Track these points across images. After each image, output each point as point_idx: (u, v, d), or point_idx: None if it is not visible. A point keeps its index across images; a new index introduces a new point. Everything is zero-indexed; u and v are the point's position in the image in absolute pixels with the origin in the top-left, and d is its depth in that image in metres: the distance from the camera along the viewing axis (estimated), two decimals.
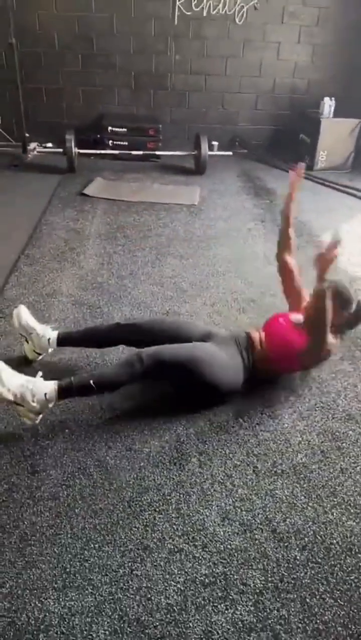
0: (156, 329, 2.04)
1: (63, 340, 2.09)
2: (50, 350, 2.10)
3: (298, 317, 2.06)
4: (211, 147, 5.09)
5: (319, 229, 3.75)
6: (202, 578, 1.38)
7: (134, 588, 1.34)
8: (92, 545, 1.44)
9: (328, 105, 5.04)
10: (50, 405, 1.74)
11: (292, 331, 1.98)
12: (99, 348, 2.17)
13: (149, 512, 1.55)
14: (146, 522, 1.51)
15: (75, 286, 2.81)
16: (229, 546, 1.46)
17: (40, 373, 1.78)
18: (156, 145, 5.25)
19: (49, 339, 2.06)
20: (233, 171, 5.10)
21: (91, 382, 1.74)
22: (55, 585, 1.33)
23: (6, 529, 1.46)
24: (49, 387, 1.73)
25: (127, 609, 1.29)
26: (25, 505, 1.54)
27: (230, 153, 5.33)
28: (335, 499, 1.63)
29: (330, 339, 1.90)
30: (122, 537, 1.47)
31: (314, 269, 1.98)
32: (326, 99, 5.07)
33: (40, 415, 1.75)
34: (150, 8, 5.11)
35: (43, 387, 1.72)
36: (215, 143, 5.41)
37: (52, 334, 2.07)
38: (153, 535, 1.48)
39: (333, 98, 5.05)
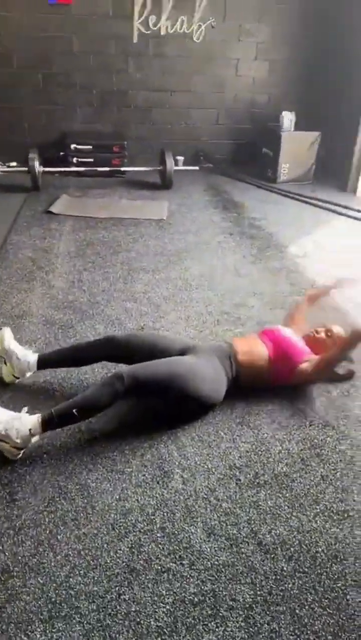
0: (134, 343, 2.03)
1: (43, 363, 2.06)
2: (28, 374, 2.06)
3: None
4: (176, 162, 5.15)
5: (286, 240, 3.84)
6: (191, 597, 1.36)
7: (123, 613, 1.31)
8: (77, 572, 1.40)
9: (288, 119, 5.19)
10: (34, 440, 1.71)
11: (299, 345, 2.10)
12: (79, 366, 2.15)
13: (134, 534, 1.52)
14: (131, 544, 1.49)
15: (45, 306, 2.77)
16: (216, 562, 1.45)
17: (25, 408, 1.76)
18: (121, 162, 5.28)
19: (28, 362, 2.03)
20: (199, 185, 5.17)
21: (74, 410, 1.71)
22: (41, 617, 1.29)
23: None
24: (33, 421, 1.70)
25: (117, 635, 1.26)
26: (5, 535, 1.49)
27: (197, 168, 5.40)
28: (317, 507, 1.64)
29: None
30: (108, 562, 1.44)
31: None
32: (286, 113, 5.22)
33: (23, 451, 1.72)
34: (109, 27, 5.17)
35: (27, 422, 1.69)
36: (180, 158, 5.48)
37: (32, 358, 2.04)
38: (139, 557, 1.46)
39: (293, 112, 5.20)
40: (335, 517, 1.61)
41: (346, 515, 1.62)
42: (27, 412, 1.75)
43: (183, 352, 2.00)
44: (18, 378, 2.07)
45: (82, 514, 1.57)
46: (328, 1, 5.17)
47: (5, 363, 2.05)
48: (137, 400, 1.99)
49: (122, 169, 5.22)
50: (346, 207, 4.46)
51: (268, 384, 2.09)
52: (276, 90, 5.66)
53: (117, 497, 1.64)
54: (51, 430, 1.76)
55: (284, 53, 5.50)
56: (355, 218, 4.33)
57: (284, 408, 2.07)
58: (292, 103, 5.42)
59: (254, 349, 2.06)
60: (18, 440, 1.68)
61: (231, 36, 5.39)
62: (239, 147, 5.87)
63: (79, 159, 5.22)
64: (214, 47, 5.40)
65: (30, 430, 1.69)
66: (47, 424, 1.72)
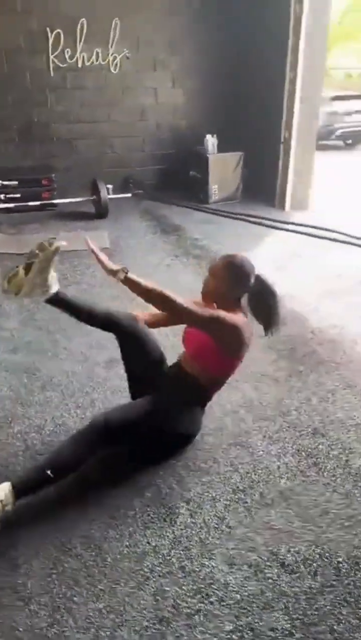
0: (135, 335, 1.92)
1: (58, 298, 1.88)
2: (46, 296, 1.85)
3: None
4: (107, 191, 5.12)
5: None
6: (228, 636, 1.30)
7: None
8: (103, 634, 1.29)
9: (211, 142, 5.36)
10: (8, 508, 1.53)
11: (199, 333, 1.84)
12: (85, 322, 1.99)
13: (154, 579, 1.44)
14: (154, 590, 1.40)
15: (1, 350, 2.61)
16: (245, 593, 1.40)
17: None
18: (51, 194, 5.16)
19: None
20: (134, 212, 5.17)
21: (48, 471, 1.57)
22: None
23: None
24: (3, 490, 1.53)
25: None
26: (15, 608, 1.35)
27: (129, 195, 5.41)
28: (327, 517, 1.64)
29: (222, 313, 1.74)
30: (134, 615, 1.34)
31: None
32: (209, 136, 5.39)
33: None
34: (23, 62, 5.10)
35: None
36: (109, 186, 5.45)
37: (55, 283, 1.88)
38: (165, 603, 1.37)
39: (214, 135, 5.38)
40: (346, 524, 1.62)
41: (355, 520, 1.64)
42: None
43: (160, 363, 1.93)
44: (17, 294, 1.84)
45: (94, 569, 1.46)
46: (235, 32, 5.45)
47: (26, 271, 1.80)
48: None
49: (54, 201, 5.11)
50: (279, 222, 4.65)
51: (220, 376, 1.90)
52: (195, 116, 5.83)
53: (127, 543, 1.54)
54: (25, 496, 1.58)
55: (199, 80, 5.69)
56: (288, 230, 4.50)
57: (272, 421, 2.08)
58: (212, 126, 5.59)
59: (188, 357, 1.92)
60: None
61: (147, 66, 5.51)
62: (165, 172, 5.95)
63: (7, 195, 5.04)
64: (131, 77, 5.48)
65: (1, 501, 1.50)
66: (20, 492, 1.55)
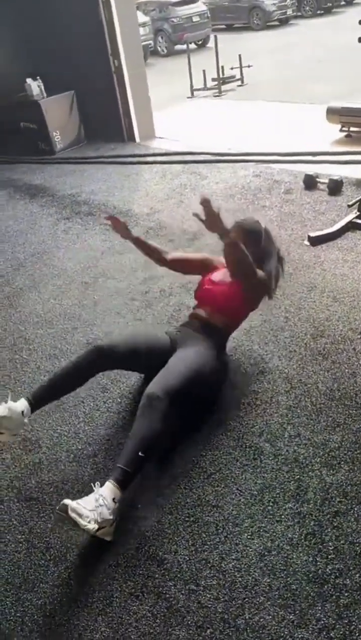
0: (126, 348, 1.84)
1: (37, 403, 1.75)
2: (26, 420, 1.72)
3: (218, 274, 2.05)
4: None
5: (122, 204, 3.75)
6: None
7: None
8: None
9: (37, 85, 4.86)
10: (117, 505, 1.48)
11: (228, 286, 1.96)
12: (74, 390, 1.84)
13: (299, 514, 1.51)
14: (298, 525, 1.49)
15: None
16: (357, 482, 1.55)
17: (98, 483, 1.51)
18: None
19: (22, 412, 1.68)
20: None
21: (140, 453, 1.53)
22: None
23: None
24: (111, 490, 1.48)
25: None
26: None
27: None
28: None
29: (259, 273, 1.92)
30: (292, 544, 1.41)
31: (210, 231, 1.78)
32: (30, 81, 4.86)
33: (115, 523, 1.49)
34: None
35: (107, 494, 1.47)
36: None
37: (22, 405, 1.70)
38: (309, 520, 1.46)
39: (37, 78, 4.87)
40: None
41: None
42: (99, 486, 1.50)
43: (172, 347, 1.89)
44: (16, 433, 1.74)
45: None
46: None
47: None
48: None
49: None
50: (142, 155, 4.55)
51: (238, 323, 2.07)
52: (9, 60, 5.12)
53: (243, 499, 1.58)
54: (128, 485, 1.53)
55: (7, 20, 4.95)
56: (161, 162, 4.39)
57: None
58: (32, 69, 5.00)
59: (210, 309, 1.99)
60: (112, 517, 1.45)
61: None
62: None
63: None
64: None
65: (114, 499, 1.47)
66: (124, 483, 1.51)
